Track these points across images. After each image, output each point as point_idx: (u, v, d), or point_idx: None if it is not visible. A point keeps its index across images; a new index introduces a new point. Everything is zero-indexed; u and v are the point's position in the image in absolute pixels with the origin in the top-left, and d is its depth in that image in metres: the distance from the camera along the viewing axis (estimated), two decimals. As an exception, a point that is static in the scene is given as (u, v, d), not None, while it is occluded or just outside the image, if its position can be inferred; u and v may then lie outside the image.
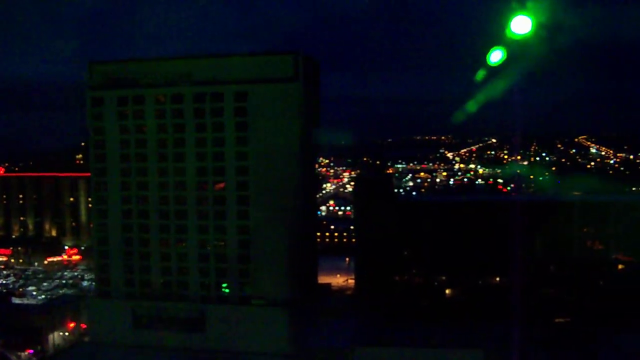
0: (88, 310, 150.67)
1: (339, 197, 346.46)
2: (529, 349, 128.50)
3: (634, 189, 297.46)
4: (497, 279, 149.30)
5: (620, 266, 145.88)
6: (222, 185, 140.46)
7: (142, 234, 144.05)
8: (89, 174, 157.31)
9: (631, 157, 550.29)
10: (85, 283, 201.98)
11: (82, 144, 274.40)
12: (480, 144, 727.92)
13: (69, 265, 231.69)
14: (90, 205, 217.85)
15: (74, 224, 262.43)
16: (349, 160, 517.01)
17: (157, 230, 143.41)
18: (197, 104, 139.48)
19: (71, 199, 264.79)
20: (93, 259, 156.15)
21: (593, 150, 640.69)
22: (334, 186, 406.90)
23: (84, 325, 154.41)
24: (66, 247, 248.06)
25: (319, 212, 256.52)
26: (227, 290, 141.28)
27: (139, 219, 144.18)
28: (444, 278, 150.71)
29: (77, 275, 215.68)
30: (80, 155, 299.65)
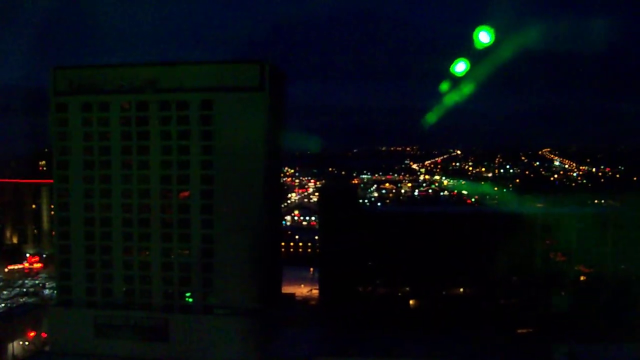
0: (49, 319, 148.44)
1: (304, 207, 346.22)
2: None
3: (595, 201, 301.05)
4: (461, 289, 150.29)
5: (582, 277, 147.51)
6: (186, 193, 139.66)
7: (105, 242, 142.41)
8: (52, 181, 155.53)
9: (593, 169, 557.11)
10: (46, 291, 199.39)
11: (45, 150, 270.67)
12: (445, 156, 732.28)
13: (30, 274, 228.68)
14: (52, 213, 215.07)
15: (35, 231, 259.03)
16: (315, 170, 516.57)
17: (120, 239, 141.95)
18: (162, 111, 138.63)
19: (33, 206, 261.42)
20: (55, 267, 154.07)
21: (556, 163, 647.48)
22: (299, 196, 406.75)
23: (44, 335, 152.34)
24: (27, 255, 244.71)
25: (283, 222, 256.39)
26: (190, 300, 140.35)
27: (101, 227, 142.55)
28: (408, 289, 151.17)
29: (39, 283, 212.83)
30: (43, 162, 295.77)
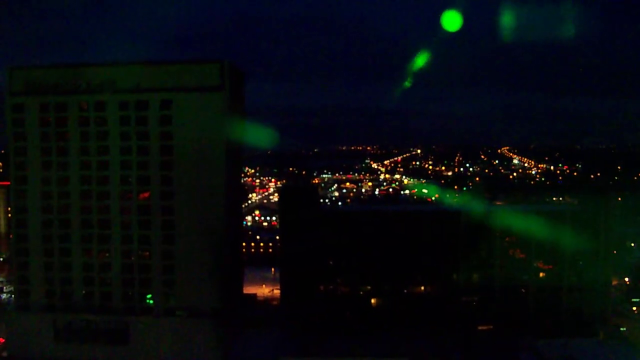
0: (7, 324, 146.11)
1: (264, 207, 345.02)
2: (453, 357, 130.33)
3: (554, 198, 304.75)
4: (422, 288, 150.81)
5: (541, 274, 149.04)
6: (146, 194, 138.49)
7: (64, 244, 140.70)
8: (8, 183, 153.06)
9: (552, 167, 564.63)
10: (4, 296, 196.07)
11: (2, 151, 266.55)
12: (406, 155, 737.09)
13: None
14: (9, 215, 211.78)
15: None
16: (275, 170, 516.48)
17: (79, 241, 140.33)
18: (121, 111, 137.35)
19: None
20: (12, 271, 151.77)
21: (516, 161, 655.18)
22: (259, 196, 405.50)
23: (2, 340, 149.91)
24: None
25: (244, 223, 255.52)
26: (151, 302, 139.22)
27: (60, 229, 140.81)
28: (369, 288, 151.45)
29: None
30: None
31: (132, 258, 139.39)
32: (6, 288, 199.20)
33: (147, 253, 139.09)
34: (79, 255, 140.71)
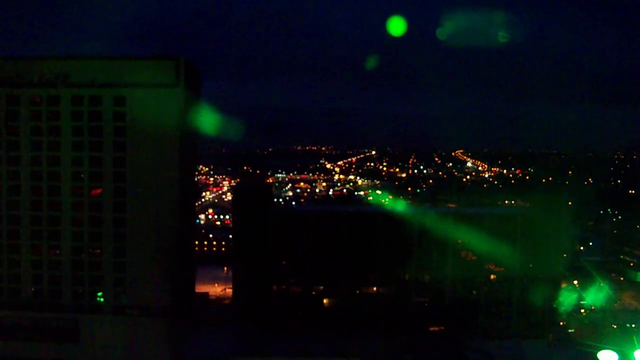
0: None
1: (218, 205, 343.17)
2: (404, 357, 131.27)
3: (506, 201, 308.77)
4: (374, 288, 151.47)
5: (492, 276, 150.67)
6: (98, 191, 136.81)
7: (13, 240, 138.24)
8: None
9: (504, 171, 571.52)
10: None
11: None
12: (361, 156, 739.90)
13: None
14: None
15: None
16: (229, 169, 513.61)
17: (29, 237, 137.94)
18: (74, 106, 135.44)
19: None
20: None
21: (469, 164, 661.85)
22: (213, 194, 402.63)
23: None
24: None
25: (197, 221, 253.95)
26: (102, 300, 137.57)
27: (8, 225, 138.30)
28: (321, 288, 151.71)
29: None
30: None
31: (83, 255, 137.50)
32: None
33: (98, 250, 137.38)
34: (27, 252, 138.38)
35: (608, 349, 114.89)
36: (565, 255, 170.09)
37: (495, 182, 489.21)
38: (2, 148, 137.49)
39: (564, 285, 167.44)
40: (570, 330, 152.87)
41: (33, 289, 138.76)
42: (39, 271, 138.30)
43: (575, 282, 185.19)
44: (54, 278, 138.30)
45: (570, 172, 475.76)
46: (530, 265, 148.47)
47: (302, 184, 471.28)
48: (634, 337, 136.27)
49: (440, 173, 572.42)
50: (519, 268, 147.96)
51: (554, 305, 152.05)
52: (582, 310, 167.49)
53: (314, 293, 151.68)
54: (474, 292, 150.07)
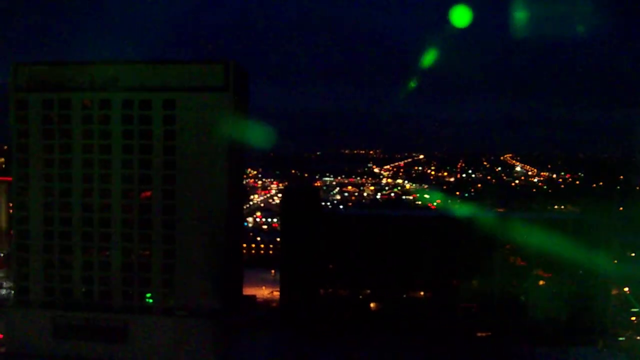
0: (6, 320, 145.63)
1: (266, 208, 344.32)
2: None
3: (555, 206, 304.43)
4: (421, 293, 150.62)
5: (541, 282, 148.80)
6: (148, 193, 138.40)
7: (64, 242, 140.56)
8: (10, 179, 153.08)
9: (554, 175, 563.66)
10: (3, 292, 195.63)
11: (5, 147, 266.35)
12: (408, 160, 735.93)
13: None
14: (11, 211, 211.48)
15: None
16: (277, 172, 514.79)
17: (80, 238, 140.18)
18: (124, 110, 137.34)
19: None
20: (12, 267, 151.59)
21: (518, 169, 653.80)
22: (261, 198, 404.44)
23: (1, 336, 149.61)
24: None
25: (245, 224, 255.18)
26: (150, 301, 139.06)
27: (61, 226, 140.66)
28: (368, 291, 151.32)
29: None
30: (2, 159, 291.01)
31: (133, 257, 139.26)
32: (6, 284, 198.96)
33: (148, 252, 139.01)
34: (79, 253, 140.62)
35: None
36: (615, 261, 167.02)
37: (545, 187, 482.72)
38: (54, 151, 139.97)
39: (614, 292, 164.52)
40: (620, 338, 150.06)
41: (84, 290, 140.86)
42: (90, 272, 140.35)
43: (626, 289, 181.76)
44: (104, 279, 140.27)
45: (621, 177, 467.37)
46: (580, 272, 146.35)
47: (349, 187, 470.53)
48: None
49: (488, 177, 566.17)
50: (569, 274, 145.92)
51: (604, 312, 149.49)
52: (633, 318, 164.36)
53: (360, 297, 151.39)
54: (522, 297, 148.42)
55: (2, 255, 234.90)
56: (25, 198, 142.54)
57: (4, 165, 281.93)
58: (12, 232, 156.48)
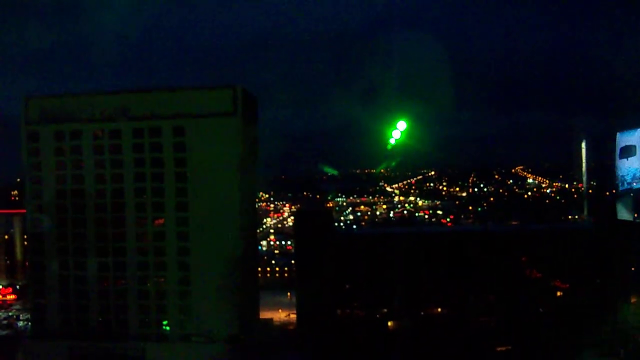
0: (23, 352, 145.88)
1: (279, 231, 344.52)
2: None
3: (569, 217, 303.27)
4: (439, 310, 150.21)
5: (558, 293, 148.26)
6: (161, 221, 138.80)
7: (79, 272, 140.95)
8: (24, 211, 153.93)
9: (566, 186, 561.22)
10: (20, 323, 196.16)
11: (18, 180, 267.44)
12: (419, 177, 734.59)
13: (3, 305, 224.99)
14: (25, 243, 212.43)
15: (8, 262, 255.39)
16: (289, 194, 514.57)
17: (95, 268, 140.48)
18: (135, 139, 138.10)
19: (6, 237, 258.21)
20: (28, 299, 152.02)
21: (530, 180, 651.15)
22: (274, 221, 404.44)
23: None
24: (0, 287, 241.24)
25: (259, 247, 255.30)
26: (167, 328, 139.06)
27: (75, 257, 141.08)
28: (385, 310, 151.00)
29: (12, 315, 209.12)
30: (15, 192, 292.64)
31: (149, 284, 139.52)
32: (22, 316, 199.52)
33: (163, 279, 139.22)
34: (94, 283, 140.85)
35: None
36: (633, 269, 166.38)
37: (557, 198, 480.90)
38: (67, 182, 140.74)
39: (633, 301, 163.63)
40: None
41: (100, 319, 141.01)
42: (106, 301, 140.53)
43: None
44: (120, 308, 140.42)
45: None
46: (598, 281, 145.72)
47: (362, 207, 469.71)
48: None
49: (501, 190, 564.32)
50: (586, 285, 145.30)
51: (624, 322, 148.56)
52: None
53: (378, 316, 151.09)
54: (540, 309, 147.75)
55: (18, 286, 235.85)
56: (40, 229, 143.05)
57: (17, 198, 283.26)
58: (27, 263, 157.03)
